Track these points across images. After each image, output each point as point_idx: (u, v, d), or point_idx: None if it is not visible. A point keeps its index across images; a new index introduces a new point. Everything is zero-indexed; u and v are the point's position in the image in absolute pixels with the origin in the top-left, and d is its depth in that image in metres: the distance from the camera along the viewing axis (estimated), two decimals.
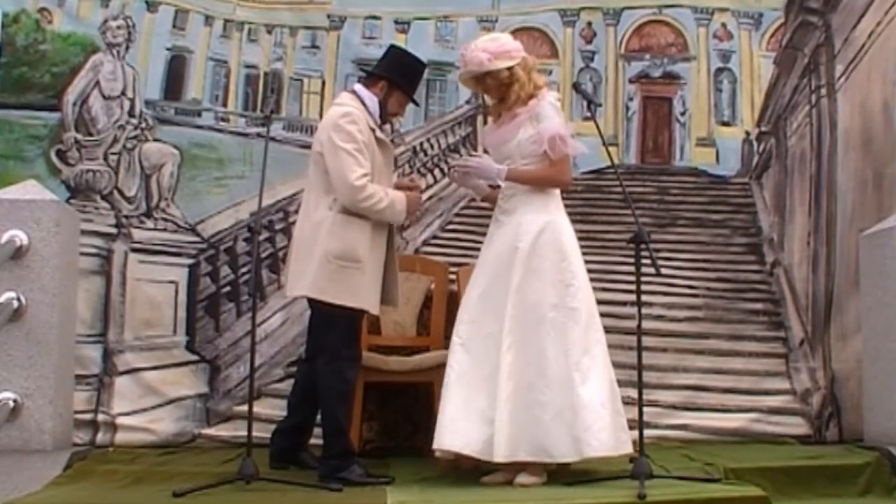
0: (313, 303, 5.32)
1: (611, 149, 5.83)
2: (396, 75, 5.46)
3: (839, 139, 6.97)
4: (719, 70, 7.21)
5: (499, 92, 5.31)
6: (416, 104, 5.78)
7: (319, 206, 5.28)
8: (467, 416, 5.00)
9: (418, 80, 5.62)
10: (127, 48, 6.81)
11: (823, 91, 7.04)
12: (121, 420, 6.42)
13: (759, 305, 6.96)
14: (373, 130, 5.31)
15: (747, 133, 7.12)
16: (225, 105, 6.91)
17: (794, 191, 7.03)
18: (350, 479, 5.05)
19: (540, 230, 5.17)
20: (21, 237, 5.74)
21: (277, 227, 6.75)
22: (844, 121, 6.99)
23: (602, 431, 4.95)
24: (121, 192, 6.71)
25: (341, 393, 5.24)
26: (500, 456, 4.91)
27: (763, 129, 7.11)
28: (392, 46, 5.84)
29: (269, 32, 6.96)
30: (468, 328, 5.16)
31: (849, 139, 6.97)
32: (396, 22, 6.96)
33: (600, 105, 6.41)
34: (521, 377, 5.00)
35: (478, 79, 5.31)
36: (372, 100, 5.39)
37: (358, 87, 5.47)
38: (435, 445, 5.06)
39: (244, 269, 6.66)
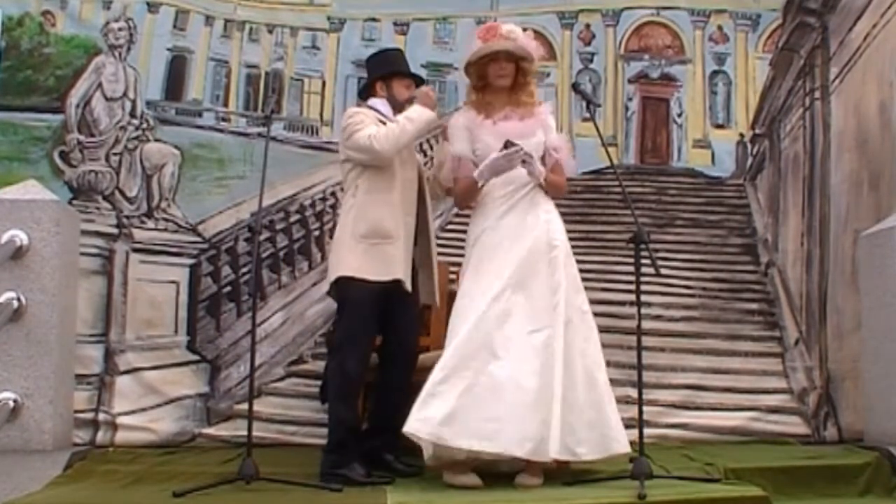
0: (334, 293, 5.39)
1: (610, 149, 5.86)
2: (380, 69, 5.58)
3: (833, 141, 7.01)
4: (714, 73, 7.24)
5: (515, 81, 5.31)
6: (422, 80, 5.75)
7: (346, 200, 5.41)
8: (516, 416, 4.93)
9: (399, 59, 5.69)
10: (128, 49, 6.83)
11: (817, 94, 7.07)
12: (121, 419, 6.43)
13: (754, 305, 7.00)
14: (383, 123, 5.35)
15: (741, 135, 7.15)
16: (226, 105, 6.91)
17: (788, 192, 7.07)
18: (349, 478, 5.05)
19: (564, 233, 5.23)
20: (21, 237, 5.73)
21: (278, 227, 6.75)
22: (838, 123, 7.02)
23: (622, 430, 5.02)
24: (122, 193, 6.71)
25: (341, 386, 5.27)
26: (553, 452, 4.89)
27: (757, 131, 7.14)
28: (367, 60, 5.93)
29: (270, 32, 6.97)
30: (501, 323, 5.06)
31: (843, 141, 7.00)
32: (395, 24, 6.98)
33: (599, 105, 6.43)
34: (569, 379, 5.02)
35: (515, 58, 5.27)
36: (381, 102, 5.50)
37: (369, 102, 5.57)
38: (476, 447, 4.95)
39: (245, 269, 6.66)
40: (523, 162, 5.18)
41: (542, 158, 5.29)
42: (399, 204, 5.33)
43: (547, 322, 5.03)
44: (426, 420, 4.85)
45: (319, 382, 6.02)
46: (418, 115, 5.31)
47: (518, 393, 4.90)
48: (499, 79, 5.29)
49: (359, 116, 5.36)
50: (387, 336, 5.44)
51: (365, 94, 5.67)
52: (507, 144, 5.11)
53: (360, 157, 5.30)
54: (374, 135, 5.23)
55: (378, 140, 5.22)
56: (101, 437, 6.41)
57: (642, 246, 5.03)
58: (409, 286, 5.32)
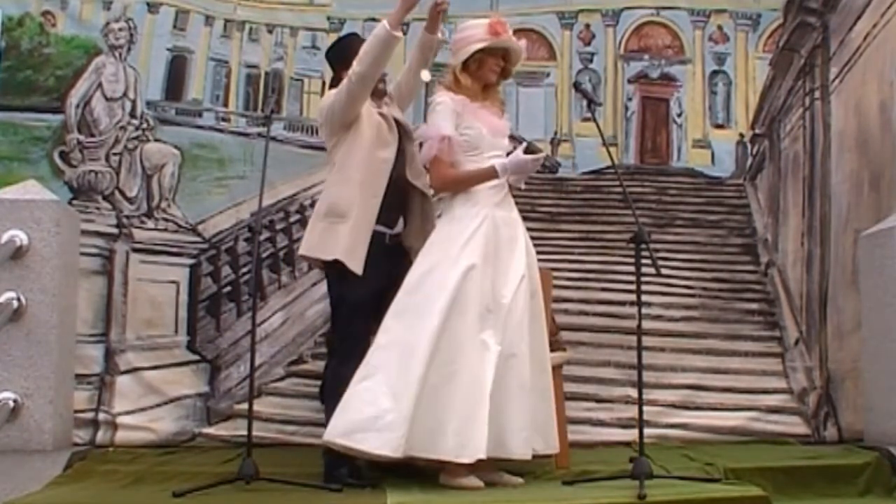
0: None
1: (611, 149, 5.85)
2: (342, 58, 5.46)
3: (833, 141, 7.01)
4: (714, 73, 7.24)
5: (497, 78, 5.31)
6: None
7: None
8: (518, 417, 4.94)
9: (356, 43, 5.49)
10: (129, 50, 6.83)
11: (817, 94, 7.07)
12: (121, 419, 6.44)
13: (754, 305, 7.00)
14: None
15: (741, 135, 7.15)
16: (226, 105, 6.91)
17: (788, 192, 7.07)
18: (339, 479, 5.04)
19: None
20: (21, 237, 5.72)
21: (278, 226, 6.76)
22: (838, 123, 7.03)
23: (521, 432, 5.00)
24: (122, 193, 6.72)
25: (333, 388, 5.23)
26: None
27: (757, 131, 7.15)
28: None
29: (270, 32, 6.97)
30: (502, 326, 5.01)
31: (843, 141, 7.00)
32: None
33: (601, 104, 6.43)
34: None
35: (507, 55, 5.27)
36: None
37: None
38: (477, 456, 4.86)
39: (245, 269, 6.67)
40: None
41: None
42: (357, 182, 5.22)
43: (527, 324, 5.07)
44: None
45: (319, 382, 6.02)
46: (379, 28, 5.19)
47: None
48: (491, 73, 5.26)
49: (330, 96, 5.36)
50: None
51: (335, 85, 5.54)
52: (532, 149, 5.12)
53: (350, 109, 5.22)
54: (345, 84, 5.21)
55: (349, 79, 5.17)
56: (101, 436, 6.41)
57: (643, 246, 5.01)
58: (354, 267, 5.16)
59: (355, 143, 5.27)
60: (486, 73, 5.23)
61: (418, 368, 4.81)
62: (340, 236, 5.17)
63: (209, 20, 6.94)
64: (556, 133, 7.05)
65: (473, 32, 5.19)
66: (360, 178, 5.23)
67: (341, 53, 5.51)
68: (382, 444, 4.76)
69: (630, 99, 7.12)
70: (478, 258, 4.98)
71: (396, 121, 5.44)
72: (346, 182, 5.23)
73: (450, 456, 4.78)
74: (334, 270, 5.26)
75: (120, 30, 6.80)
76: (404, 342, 4.90)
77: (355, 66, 5.14)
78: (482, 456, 4.77)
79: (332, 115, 5.29)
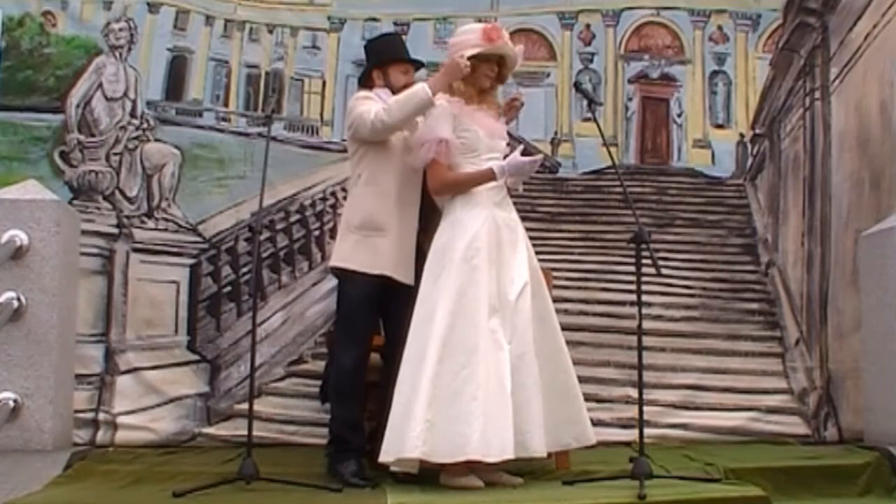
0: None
1: (611, 149, 5.85)
2: (377, 57, 5.50)
3: (833, 141, 7.02)
4: (714, 73, 7.24)
5: (492, 83, 5.29)
6: (422, 64, 5.63)
7: (351, 186, 5.39)
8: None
9: (396, 44, 5.64)
10: (129, 50, 6.82)
11: (817, 94, 7.08)
12: (121, 419, 6.43)
13: (754, 305, 7.01)
14: None
15: (742, 135, 7.15)
16: (226, 105, 6.90)
17: (788, 192, 7.08)
18: (341, 476, 5.07)
19: None
20: (21, 237, 5.73)
21: (278, 226, 6.75)
22: (839, 123, 7.04)
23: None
24: (122, 193, 6.71)
25: (336, 382, 5.30)
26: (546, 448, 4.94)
27: (757, 131, 7.15)
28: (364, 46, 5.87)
29: (270, 32, 6.97)
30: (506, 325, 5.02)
31: (843, 141, 7.01)
32: (396, 24, 6.93)
33: (602, 104, 6.42)
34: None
35: (502, 61, 5.26)
36: (384, 92, 5.37)
37: (373, 91, 5.46)
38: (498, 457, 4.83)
39: (245, 269, 6.66)
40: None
41: None
42: (394, 194, 5.23)
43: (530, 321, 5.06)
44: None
45: (319, 382, 6.03)
46: (418, 90, 5.13)
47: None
48: (486, 78, 5.24)
49: (363, 98, 5.31)
50: (387, 334, 5.42)
51: (365, 83, 5.57)
52: (528, 151, 5.12)
53: (365, 135, 5.22)
54: (378, 114, 5.14)
55: (381, 117, 5.12)
56: (101, 436, 6.41)
57: (643, 246, 5.01)
58: (406, 279, 5.22)
59: (382, 152, 5.27)
60: (479, 78, 5.22)
61: (428, 371, 4.82)
62: (385, 252, 5.19)
63: (209, 20, 6.94)
64: (556, 133, 7.06)
65: (467, 38, 5.19)
66: (395, 190, 5.25)
67: (379, 55, 5.53)
68: (407, 450, 4.79)
69: (630, 99, 7.13)
70: (482, 260, 4.98)
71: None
72: (382, 195, 5.23)
73: (476, 455, 4.75)
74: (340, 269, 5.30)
75: (120, 30, 6.79)
76: (416, 351, 4.92)
77: (384, 115, 5.13)
78: (510, 455, 4.76)
79: (355, 130, 5.29)
